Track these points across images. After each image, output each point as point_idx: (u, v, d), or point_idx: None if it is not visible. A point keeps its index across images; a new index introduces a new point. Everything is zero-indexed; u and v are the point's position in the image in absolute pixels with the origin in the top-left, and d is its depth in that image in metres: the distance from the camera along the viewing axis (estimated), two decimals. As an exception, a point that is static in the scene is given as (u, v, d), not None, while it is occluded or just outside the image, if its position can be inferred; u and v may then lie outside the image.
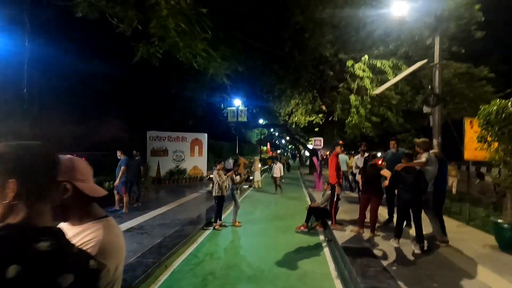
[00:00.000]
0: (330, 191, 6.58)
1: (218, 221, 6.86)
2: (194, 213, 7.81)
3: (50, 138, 10.41)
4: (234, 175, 7.05)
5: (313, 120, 24.66)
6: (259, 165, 14.49)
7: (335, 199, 5.80)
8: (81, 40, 10.14)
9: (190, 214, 7.75)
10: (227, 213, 8.09)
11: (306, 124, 24.51)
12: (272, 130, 44.00)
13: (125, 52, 8.19)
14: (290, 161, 34.18)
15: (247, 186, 14.03)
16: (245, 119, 17.45)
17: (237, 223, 7.12)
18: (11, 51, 7.31)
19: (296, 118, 24.00)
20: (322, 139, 13.79)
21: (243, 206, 9.45)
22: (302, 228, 6.66)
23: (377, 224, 5.69)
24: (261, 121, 27.76)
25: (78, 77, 10.31)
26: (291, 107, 22.48)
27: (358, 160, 6.70)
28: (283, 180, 11.98)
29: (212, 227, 6.78)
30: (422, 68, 8.92)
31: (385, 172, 5.23)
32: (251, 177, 13.07)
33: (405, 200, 4.85)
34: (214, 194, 6.79)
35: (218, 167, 6.87)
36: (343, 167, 13.15)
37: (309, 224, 6.75)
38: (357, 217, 6.65)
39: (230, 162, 14.84)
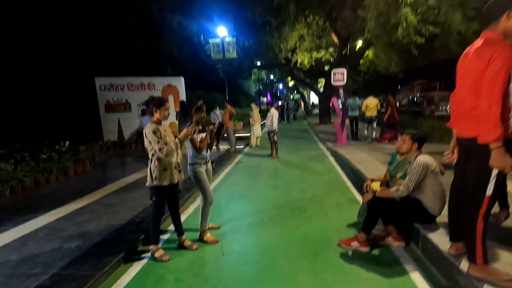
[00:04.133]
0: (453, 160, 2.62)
1: (156, 242, 3.04)
2: (133, 213, 4.02)
3: None
4: (194, 134, 3.06)
5: (322, 58, 19.86)
6: (258, 116, 10.39)
7: (489, 190, 1.81)
8: None
9: (124, 215, 3.96)
10: (189, 214, 4.30)
11: (314, 63, 19.76)
12: (272, 77, 39.03)
13: None
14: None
15: (242, 146, 10.16)
16: (234, 55, 12.88)
17: (207, 235, 3.32)
18: None
19: (299, 58, 19.21)
20: (345, 70, 9.48)
21: (228, 184, 5.67)
22: (355, 243, 2.85)
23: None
24: (258, 64, 22.90)
25: None
26: (294, 40, 17.60)
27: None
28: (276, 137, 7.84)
29: (150, 253, 3.01)
30: None
31: None
32: (225, 134, 8.87)
33: None
34: (148, 182, 2.88)
35: (156, 115, 2.83)
36: (354, 112, 9.53)
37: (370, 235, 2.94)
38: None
39: (217, 114, 10.76)
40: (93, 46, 10.74)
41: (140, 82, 11.13)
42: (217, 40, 12.50)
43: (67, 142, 6.73)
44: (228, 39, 12.74)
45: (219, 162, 7.28)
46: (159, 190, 2.86)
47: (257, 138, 10.22)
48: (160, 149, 2.70)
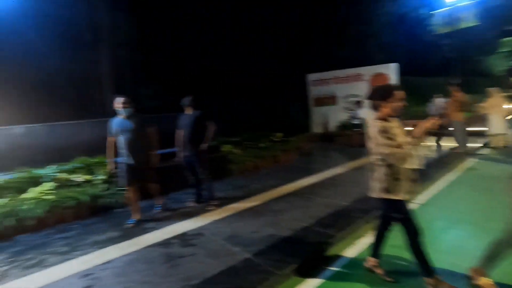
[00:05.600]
0: None
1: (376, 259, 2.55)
2: (322, 212, 3.85)
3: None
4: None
5: None
6: (499, 105, 7.22)
7: None
8: None
9: (314, 213, 3.87)
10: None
11: None
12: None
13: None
14: None
15: (478, 146, 7.48)
16: (473, 23, 9.58)
17: (483, 279, 2.20)
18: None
19: None
20: None
21: (448, 198, 4.02)
22: None
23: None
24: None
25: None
26: None
27: None
28: None
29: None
30: None
31: None
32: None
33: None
34: (375, 193, 2.34)
35: (383, 110, 2.22)
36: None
37: None
38: None
39: (437, 103, 8.52)
40: (304, 43, 11.70)
41: (345, 73, 10.90)
42: (445, 9, 9.82)
43: (279, 134, 7.71)
44: (462, 3, 9.69)
45: (438, 165, 5.70)
46: (396, 204, 2.23)
47: (496, 137, 7.14)
48: (389, 154, 2.13)
